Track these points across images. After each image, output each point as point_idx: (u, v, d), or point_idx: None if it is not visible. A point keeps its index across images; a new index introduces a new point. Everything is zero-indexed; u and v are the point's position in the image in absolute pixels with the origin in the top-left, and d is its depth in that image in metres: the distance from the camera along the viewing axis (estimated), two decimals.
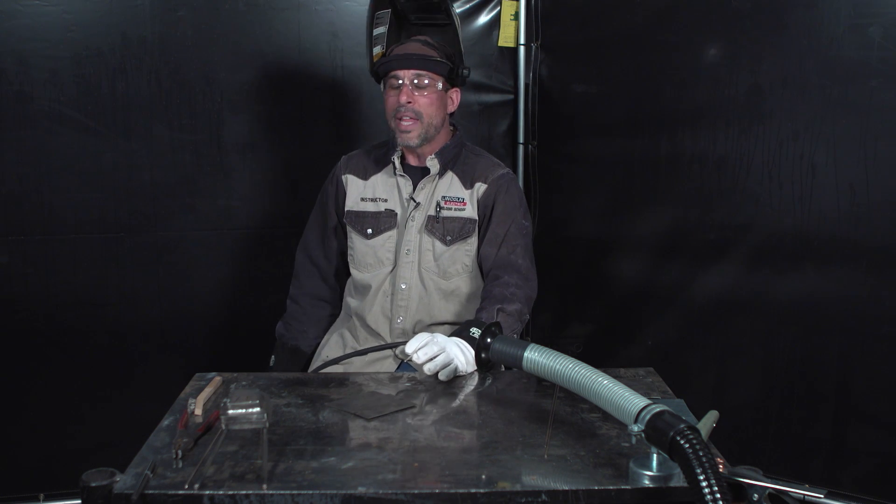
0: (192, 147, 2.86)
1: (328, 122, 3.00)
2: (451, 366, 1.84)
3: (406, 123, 2.17)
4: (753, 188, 2.71)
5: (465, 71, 2.25)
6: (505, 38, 3.20)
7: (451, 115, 2.32)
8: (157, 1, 2.73)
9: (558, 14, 3.15)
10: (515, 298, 2.11)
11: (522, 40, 3.20)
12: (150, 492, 1.35)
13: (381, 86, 2.27)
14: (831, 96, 2.54)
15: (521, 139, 3.26)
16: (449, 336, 1.90)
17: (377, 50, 2.26)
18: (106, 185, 2.78)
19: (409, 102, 2.16)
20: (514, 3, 3.18)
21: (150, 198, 2.83)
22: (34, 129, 2.68)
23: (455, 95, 2.29)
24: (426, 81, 2.17)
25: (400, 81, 2.17)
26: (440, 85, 2.20)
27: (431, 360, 1.83)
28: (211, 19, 2.81)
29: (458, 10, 3.10)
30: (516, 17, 3.19)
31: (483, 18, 3.16)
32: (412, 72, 2.17)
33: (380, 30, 2.26)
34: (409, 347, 1.85)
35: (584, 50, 3.13)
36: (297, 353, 2.40)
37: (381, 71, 2.22)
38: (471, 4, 3.14)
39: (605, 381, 1.48)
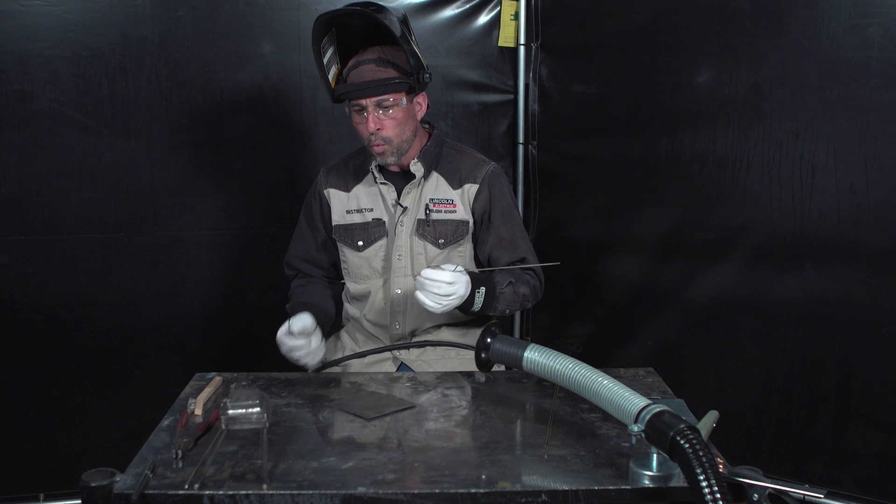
0: (192, 147, 2.86)
1: (328, 122, 3.00)
2: (427, 304, 1.99)
3: (378, 148, 2.14)
4: (753, 188, 2.71)
5: (426, 76, 2.15)
6: (505, 38, 3.20)
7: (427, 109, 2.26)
8: (157, 1, 2.73)
9: (558, 14, 3.15)
10: (529, 285, 2.23)
11: (522, 40, 3.20)
12: (150, 492, 1.35)
13: (346, 109, 2.19)
14: (831, 96, 2.54)
15: (521, 139, 3.26)
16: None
17: (334, 70, 2.18)
18: (106, 185, 2.78)
19: (379, 129, 2.11)
20: (514, 3, 3.18)
21: (150, 198, 2.83)
22: (34, 129, 2.68)
23: (422, 100, 2.21)
24: (390, 101, 2.10)
25: (363, 107, 2.11)
26: (404, 101, 2.13)
27: (437, 294, 1.97)
28: (211, 19, 2.81)
29: (457, 11, 3.12)
30: (516, 17, 3.19)
31: (483, 18, 3.16)
32: (373, 98, 2.10)
33: (329, 53, 2.17)
34: (427, 273, 1.98)
35: (584, 50, 3.13)
36: (323, 309, 2.25)
37: (342, 98, 2.15)
38: (471, 4, 3.13)
39: (605, 381, 1.48)
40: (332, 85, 2.17)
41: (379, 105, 2.10)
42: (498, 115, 3.25)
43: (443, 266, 2.01)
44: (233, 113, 2.89)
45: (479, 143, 3.20)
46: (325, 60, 2.16)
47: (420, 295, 1.98)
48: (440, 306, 2.00)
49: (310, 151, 2.99)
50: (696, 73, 2.81)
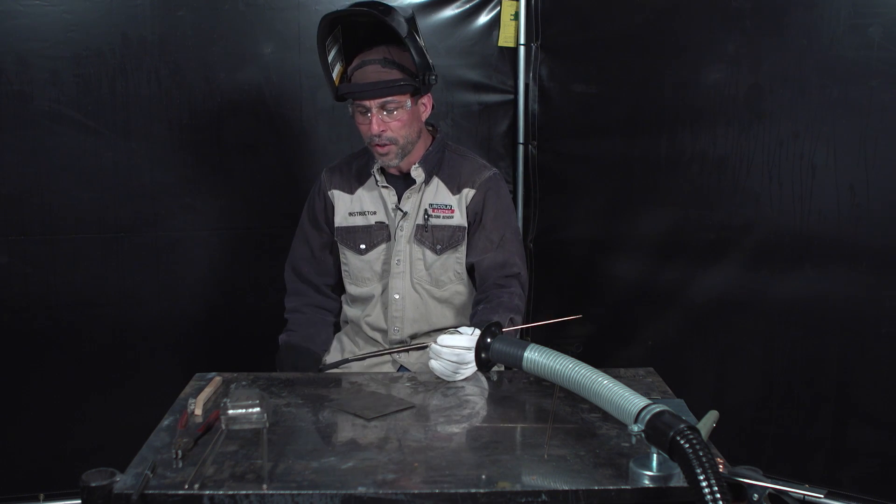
0: (192, 147, 2.86)
1: (328, 122, 3.00)
2: (442, 372, 1.87)
3: (382, 149, 2.12)
4: (753, 188, 2.71)
5: (432, 78, 2.12)
6: (505, 38, 3.20)
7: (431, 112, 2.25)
8: (157, 1, 2.73)
9: (558, 14, 3.15)
10: (520, 311, 2.14)
11: (522, 40, 3.20)
12: (150, 492, 1.35)
13: (349, 108, 2.16)
14: (831, 96, 2.54)
15: (521, 139, 3.26)
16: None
17: (338, 68, 2.16)
18: (106, 185, 2.77)
19: (383, 131, 2.09)
20: (514, 3, 3.17)
21: (150, 198, 2.83)
22: (34, 129, 2.68)
23: (427, 101, 2.19)
24: (394, 103, 2.08)
25: (367, 108, 2.09)
26: (409, 103, 2.11)
27: (452, 362, 1.85)
28: (211, 19, 2.81)
29: (457, 11, 3.12)
30: (516, 17, 3.18)
31: (483, 18, 3.16)
32: (377, 100, 2.08)
33: (334, 51, 2.15)
34: (444, 340, 1.86)
35: (584, 50, 3.13)
36: (310, 354, 2.27)
37: (345, 98, 2.13)
38: (471, 4, 3.13)
39: (605, 381, 1.48)
40: (336, 83, 2.14)
41: (383, 107, 2.08)
42: (498, 115, 3.25)
43: (460, 329, 1.90)
44: (233, 113, 2.88)
45: (479, 143, 3.20)
46: (330, 59, 2.14)
47: (434, 363, 1.88)
48: (456, 375, 1.88)
49: (310, 151, 2.98)
50: (696, 72, 2.81)
